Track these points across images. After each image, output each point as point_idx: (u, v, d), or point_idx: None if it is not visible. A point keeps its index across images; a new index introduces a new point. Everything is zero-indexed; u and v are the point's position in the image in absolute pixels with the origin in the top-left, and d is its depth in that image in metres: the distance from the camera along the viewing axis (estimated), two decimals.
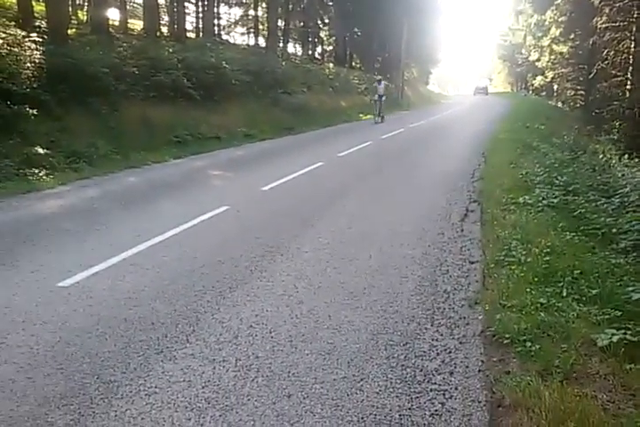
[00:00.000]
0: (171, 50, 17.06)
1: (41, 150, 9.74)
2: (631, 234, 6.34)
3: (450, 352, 3.66)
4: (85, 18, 22.41)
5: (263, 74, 20.23)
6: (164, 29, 25.67)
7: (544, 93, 54.47)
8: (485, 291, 4.66)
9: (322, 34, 41.79)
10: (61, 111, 11.12)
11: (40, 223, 6.62)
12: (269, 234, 6.27)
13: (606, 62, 23.78)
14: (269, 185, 8.85)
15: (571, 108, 38.81)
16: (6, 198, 7.70)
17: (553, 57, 39.05)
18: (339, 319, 4.08)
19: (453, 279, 4.99)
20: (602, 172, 11.58)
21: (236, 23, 39.88)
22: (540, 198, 7.86)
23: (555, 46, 37.63)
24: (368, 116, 26.51)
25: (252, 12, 36.29)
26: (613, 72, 23.78)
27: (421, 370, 3.42)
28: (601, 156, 14.83)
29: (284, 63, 25.17)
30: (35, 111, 10.18)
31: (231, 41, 34.52)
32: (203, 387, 3.17)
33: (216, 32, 30.79)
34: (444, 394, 3.18)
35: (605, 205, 7.98)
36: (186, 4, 27.81)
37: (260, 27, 34.41)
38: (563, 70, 38.05)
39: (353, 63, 43.49)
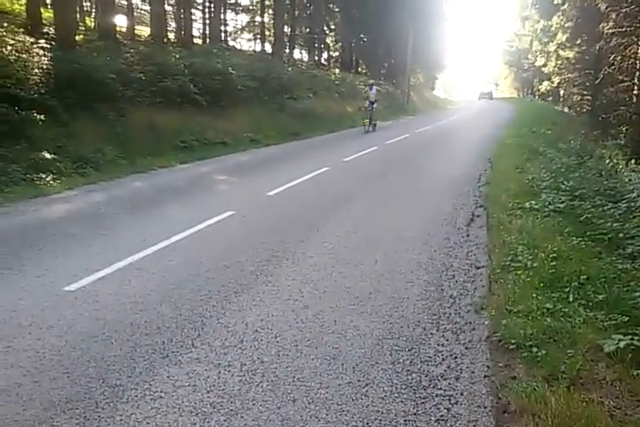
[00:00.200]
0: (177, 56, 17.15)
1: (48, 155, 9.80)
2: (638, 239, 6.33)
3: (455, 358, 3.64)
4: (93, 24, 22.57)
5: (269, 80, 20.30)
6: (171, 36, 25.80)
7: (550, 99, 54.37)
8: (491, 296, 4.65)
9: (328, 40, 41.91)
10: (68, 117, 11.18)
11: (47, 228, 6.65)
12: (275, 239, 6.28)
13: (613, 67, 23.74)
14: (275, 190, 8.86)
15: (577, 114, 38.74)
16: (13, 203, 7.75)
17: (559, 62, 39.01)
18: (344, 324, 4.08)
19: (459, 284, 4.98)
20: (608, 177, 11.56)
21: (242, 29, 40.07)
22: (547, 203, 7.85)
23: (561, 52, 37.59)
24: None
25: (258, 19, 36.45)
26: (620, 77, 23.73)
27: (427, 375, 3.41)
28: (607, 161, 14.80)
29: (290, 69, 25.24)
30: (42, 117, 10.26)
31: (237, 47, 34.67)
32: (208, 391, 3.17)
33: (222, 38, 30.95)
34: (449, 400, 3.17)
35: (612, 211, 7.97)
36: (193, 10, 27.98)
37: (267, 33, 34.55)
38: (569, 75, 38.02)
39: (359, 69, 43.58)
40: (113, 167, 10.55)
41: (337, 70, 35.99)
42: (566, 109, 44.36)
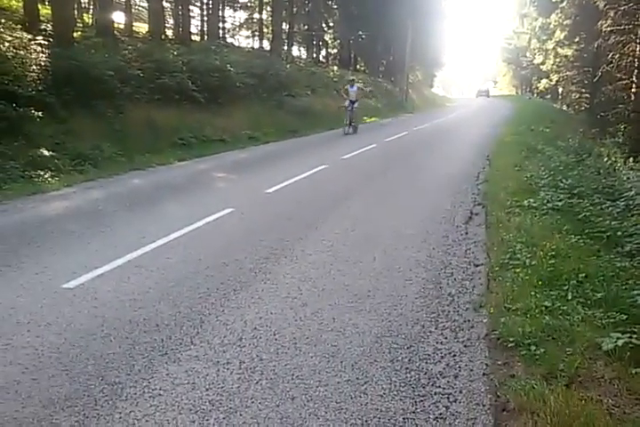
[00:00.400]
0: (175, 53, 17.10)
1: (46, 152, 9.78)
2: (636, 237, 6.32)
3: (454, 356, 3.65)
4: (91, 21, 22.52)
5: (267, 77, 20.27)
6: (169, 32, 25.73)
7: (549, 96, 54.37)
8: (490, 294, 4.65)
9: (326, 37, 41.83)
10: (66, 114, 11.16)
11: (45, 225, 6.64)
12: (274, 236, 6.28)
13: (611, 65, 23.74)
14: (274, 188, 8.86)
15: (576, 111, 38.76)
16: (12, 200, 7.73)
17: (558, 60, 38.98)
18: (343, 322, 4.08)
19: (458, 282, 4.98)
20: (607, 175, 11.56)
21: (240, 26, 39.96)
22: (545, 201, 7.85)
23: (559, 49, 37.57)
24: (373, 119, 26.57)
25: (256, 16, 36.35)
26: (618, 75, 23.74)
27: (425, 373, 3.41)
28: (606, 159, 14.80)
29: (288, 66, 25.20)
30: (40, 114, 10.23)
31: (236, 44, 34.58)
32: (207, 389, 3.17)
33: (221, 35, 30.90)
34: (448, 398, 3.17)
35: (610, 209, 7.96)
36: (191, 7, 27.90)
37: (265, 30, 34.48)
38: (567, 73, 38.00)
39: (357, 66, 43.52)
40: (111, 164, 10.54)
41: (335, 67, 35.95)
42: (565, 107, 44.40)
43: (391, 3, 35.17)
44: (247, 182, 9.87)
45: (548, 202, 7.81)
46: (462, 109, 41.41)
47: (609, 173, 11.82)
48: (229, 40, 34.52)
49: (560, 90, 47.20)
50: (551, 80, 42.62)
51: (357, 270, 5.22)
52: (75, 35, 14.87)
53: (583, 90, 36.19)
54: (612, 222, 6.87)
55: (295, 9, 34.96)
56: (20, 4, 17.48)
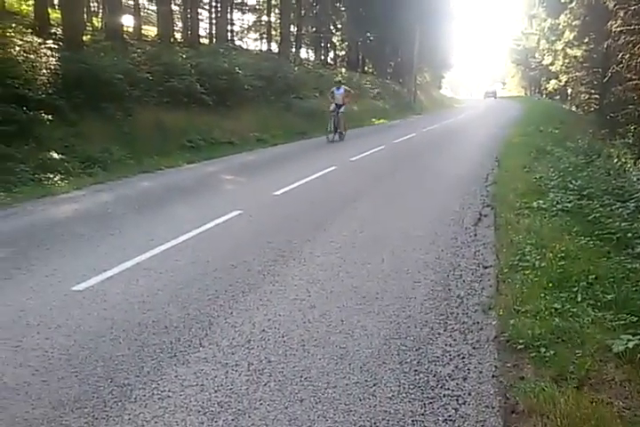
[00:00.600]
0: (184, 56, 17.19)
1: (56, 155, 9.84)
2: None
3: (463, 358, 3.63)
4: (100, 24, 22.67)
5: (276, 79, 20.32)
6: (178, 35, 25.86)
7: (558, 97, 54.15)
8: (499, 296, 4.63)
9: (334, 39, 41.89)
10: (76, 117, 11.23)
11: (55, 228, 6.68)
12: (282, 238, 6.28)
13: (621, 66, 23.57)
14: (282, 190, 8.86)
15: (585, 112, 38.53)
16: (21, 203, 7.79)
17: (567, 61, 38.81)
18: (351, 324, 4.07)
19: (467, 284, 4.96)
20: (617, 176, 11.50)
21: (248, 29, 40.14)
22: (555, 203, 7.81)
23: (569, 50, 37.39)
24: (381, 121, 26.57)
25: (264, 18, 36.47)
26: (628, 75, 23.56)
27: (434, 375, 3.40)
28: (616, 160, 14.73)
29: (296, 68, 25.26)
30: (50, 117, 10.32)
31: (244, 47, 34.73)
32: (215, 391, 3.17)
33: (229, 38, 31.03)
34: (457, 400, 3.16)
35: (620, 210, 7.91)
36: (199, 10, 28.05)
37: (273, 32, 34.58)
38: (577, 74, 37.80)
39: (365, 68, 43.53)
40: (120, 167, 10.59)
41: (343, 69, 35.99)
42: (574, 108, 44.14)
43: (399, 4, 35.15)
44: (255, 184, 9.88)
45: (557, 203, 7.77)
46: (470, 111, 41.30)
47: (619, 175, 11.76)
48: (238, 43, 34.67)
49: (569, 91, 46.98)
50: (560, 81, 42.44)
51: (366, 272, 5.22)
52: (84, 38, 14.99)
53: (592, 91, 35.96)
54: (623, 224, 6.82)
55: (303, 11, 35.04)
56: (31, 9, 17.67)
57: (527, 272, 5.00)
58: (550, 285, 4.66)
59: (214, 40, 28.27)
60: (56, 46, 12.04)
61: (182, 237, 6.15)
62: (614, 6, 22.90)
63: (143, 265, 5.25)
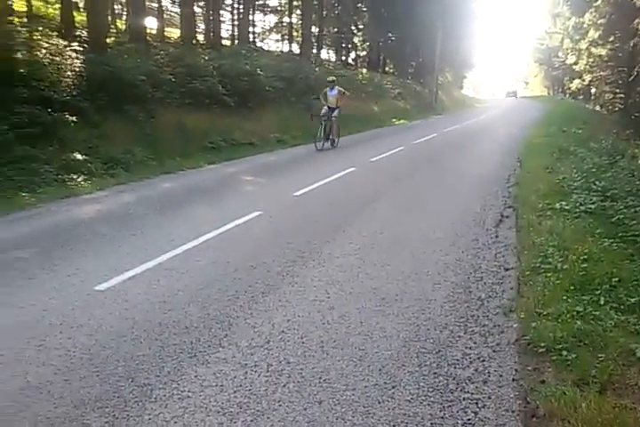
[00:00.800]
0: (206, 57, 17.30)
1: (79, 156, 9.97)
2: None
3: (483, 361, 3.61)
4: (124, 27, 22.93)
5: (297, 80, 20.36)
6: (201, 37, 26.06)
7: (581, 97, 53.44)
8: (520, 298, 4.59)
9: (355, 39, 41.85)
10: (99, 118, 11.37)
11: (78, 228, 6.77)
12: (301, 239, 6.29)
13: None
14: (301, 190, 8.88)
15: (609, 112, 37.96)
16: (45, 203, 7.90)
17: (591, 60, 38.26)
18: (370, 326, 4.07)
19: (487, 286, 4.92)
20: None
21: (270, 30, 40.31)
22: (578, 204, 7.71)
23: (593, 49, 36.86)
24: (401, 121, 26.46)
25: (286, 19, 36.61)
26: None
27: (454, 378, 3.38)
28: None
29: (317, 69, 25.27)
30: (74, 118, 10.45)
31: (265, 48, 34.87)
32: (235, 391, 3.19)
33: (251, 39, 31.17)
34: (476, 403, 3.14)
35: None
36: (222, 12, 28.24)
37: (294, 33, 34.70)
38: (601, 73, 37.26)
39: (386, 68, 43.42)
40: (142, 168, 10.70)
41: (364, 70, 35.95)
42: (598, 108, 43.51)
43: (421, 4, 34.98)
44: (275, 185, 9.91)
45: (580, 205, 7.67)
46: (493, 111, 40.96)
47: None
48: (259, 44, 34.84)
49: (593, 90, 46.34)
50: (584, 80, 41.86)
51: (385, 274, 5.20)
52: (108, 41, 15.20)
53: (617, 90, 35.42)
54: None
55: (325, 12, 35.11)
56: (57, 12, 17.96)
57: (549, 275, 4.95)
58: (572, 287, 4.61)
59: (236, 42, 28.44)
60: (81, 49, 12.20)
61: (203, 237, 6.19)
62: None
63: (164, 265, 5.30)
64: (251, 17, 31.98)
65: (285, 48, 35.64)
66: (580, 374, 3.33)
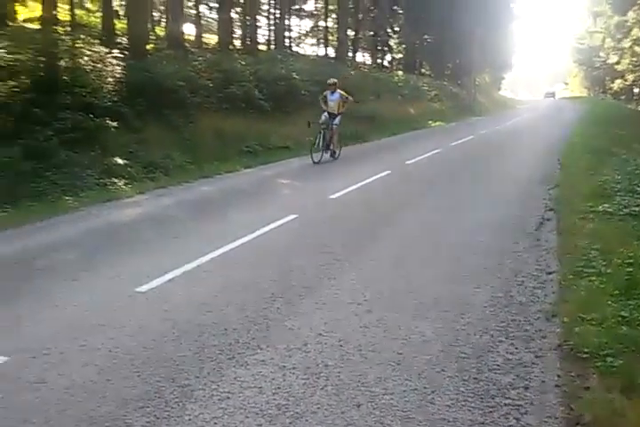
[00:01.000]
0: (243, 62, 17.50)
1: (120, 161, 10.20)
2: None
3: (525, 366, 3.53)
4: (162, 33, 23.35)
5: None
6: (237, 43, 26.35)
7: (623, 97, 52.12)
8: (563, 303, 4.48)
9: (391, 42, 41.70)
10: (139, 123, 11.61)
11: (119, 231, 6.91)
12: (337, 242, 6.29)
13: None
14: (337, 193, 8.88)
15: None
16: (88, 207, 8.10)
17: (634, 59, 37.35)
18: (408, 330, 4.03)
19: (529, 290, 4.83)
20: None
21: (306, 34, 40.44)
22: (621, 207, 7.50)
23: (636, 48, 35.97)
24: (438, 123, 26.25)
25: (322, 23, 36.69)
26: None
27: (495, 384, 3.32)
28: None
29: (352, 72, 25.27)
30: (115, 124, 10.71)
31: (301, 52, 34.99)
32: (273, 393, 3.20)
33: (287, 44, 31.33)
34: (518, 409, 3.07)
35: None
36: (258, 17, 28.48)
37: (330, 37, 34.74)
38: None
39: (422, 70, 43.14)
40: (181, 172, 10.87)
41: (400, 72, 35.79)
42: None
43: (458, 6, 34.71)
44: (311, 188, 9.94)
45: (624, 207, 7.46)
46: (531, 112, 40.27)
47: None
48: (295, 48, 34.96)
49: (636, 90, 45.15)
50: (626, 80, 40.92)
51: (423, 277, 5.15)
52: (148, 47, 15.48)
53: None
54: None
55: (361, 15, 35.07)
56: (98, 20, 18.41)
57: (592, 279, 4.82)
58: (617, 292, 4.48)
59: (272, 46, 28.65)
60: (121, 55, 12.52)
61: (240, 240, 6.24)
62: None
63: (203, 268, 5.36)
64: (287, 22, 32.11)
65: (321, 52, 35.69)
66: (627, 382, 3.22)
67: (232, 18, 24.85)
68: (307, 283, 4.98)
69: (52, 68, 10.66)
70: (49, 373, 3.41)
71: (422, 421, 2.95)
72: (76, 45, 11.93)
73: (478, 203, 8.60)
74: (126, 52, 13.08)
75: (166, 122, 12.29)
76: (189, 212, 7.96)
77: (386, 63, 41.58)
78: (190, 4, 26.63)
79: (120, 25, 18.13)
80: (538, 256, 5.78)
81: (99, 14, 20.05)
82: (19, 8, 17.01)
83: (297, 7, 36.32)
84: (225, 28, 21.73)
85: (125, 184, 9.50)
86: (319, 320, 4.19)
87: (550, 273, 5.25)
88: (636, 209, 7.35)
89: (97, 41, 13.11)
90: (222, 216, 7.68)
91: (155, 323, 4.14)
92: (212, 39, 25.59)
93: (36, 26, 14.18)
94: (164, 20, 26.62)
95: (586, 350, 3.60)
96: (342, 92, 13.46)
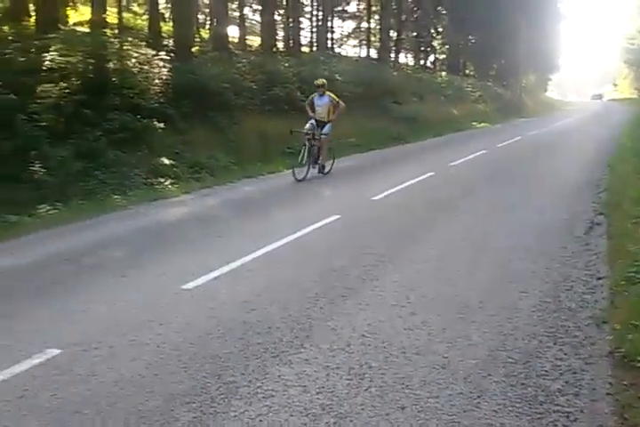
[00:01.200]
0: (286, 64, 17.63)
1: (166, 161, 10.42)
2: None
3: (574, 373, 3.44)
4: (207, 35, 23.71)
5: (374, 85, 20.35)
6: (280, 44, 26.55)
7: None
8: (614, 309, 4.35)
9: (434, 43, 41.34)
10: (185, 125, 11.82)
11: (166, 229, 7.04)
12: (380, 243, 6.26)
13: None
14: (380, 195, 8.84)
15: None
16: (135, 205, 8.28)
17: None
18: (453, 333, 3.97)
19: (578, 296, 4.70)
20: None
21: (348, 36, 40.44)
22: None
23: None
24: (482, 124, 25.90)
25: (364, 25, 36.64)
26: None
27: (543, 390, 3.24)
28: None
29: (395, 73, 25.17)
30: (161, 125, 10.93)
31: (343, 53, 35.03)
32: (317, 393, 3.20)
33: (329, 45, 31.42)
34: (567, 416, 2.99)
35: None
36: (301, 19, 28.63)
37: (372, 38, 34.67)
38: None
39: (466, 71, 42.61)
40: (226, 172, 11.02)
41: (443, 73, 35.47)
42: None
43: (504, 6, 34.16)
44: (353, 189, 9.92)
45: None
46: (579, 114, 39.32)
47: None
48: (337, 50, 35.03)
49: None
50: None
51: (467, 281, 5.08)
52: (193, 49, 15.74)
53: None
54: None
55: (404, 16, 34.89)
56: (145, 23, 18.83)
57: None
58: None
59: (315, 48, 28.77)
60: (167, 58, 12.75)
61: (284, 240, 6.27)
62: None
63: (247, 266, 5.41)
64: (329, 23, 32.21)
65: (363, 53, 35.67)
66: None
67: (275, 20, 25.06)
68: (349, 284, 4.97)
69: (101, 70, 10.96)
70: (99, 366, 3.49)
71: (468, 425, 2.91)
72: (124, 48, 12.24)
73: (524, 206, 8.43)
74: (172, 55, 13.33)
75: (211, 123, 12.48)
76: (233, 211, 8.06)
77: (429, 64, 41.23)
78: (234, 6, 26.97)
79: (166, 28, 18.52)
80: (587, 261, 5.63)
81: (145, 17, 20.53)
82: (70, 12, 17.55)
83: (339, 9, 36.38)
84: (268, 30, 21.94)
85: (171, 184, 9.68)
86: (362, 321, 4.18)
87: (600, 278, 5.10)
88: None
89: (144, 43, 13.41)
90: (265, 216, 7.74)
91: (200, 320, 4.19)
92: (255, 41, 25.87)
93: (85, 29, 14.59)
94: (209, 22, 27.05)
95: (639, 358, 3.48)
96: (333, 96, 11.31)
